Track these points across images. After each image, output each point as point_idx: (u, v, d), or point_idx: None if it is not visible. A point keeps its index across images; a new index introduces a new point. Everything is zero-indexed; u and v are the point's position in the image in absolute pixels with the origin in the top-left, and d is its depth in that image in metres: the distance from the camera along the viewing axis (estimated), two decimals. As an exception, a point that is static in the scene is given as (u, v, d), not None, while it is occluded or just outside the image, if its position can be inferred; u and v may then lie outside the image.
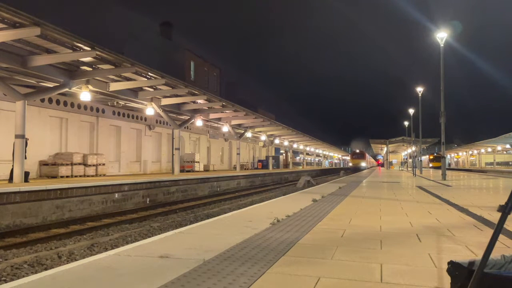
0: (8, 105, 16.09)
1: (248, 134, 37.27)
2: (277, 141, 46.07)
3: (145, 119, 26.67)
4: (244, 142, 43.99)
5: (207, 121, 29.61)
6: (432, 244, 4.69)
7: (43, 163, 18.41)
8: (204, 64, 48.45)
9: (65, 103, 20.12)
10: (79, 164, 19.29)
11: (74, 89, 16.60)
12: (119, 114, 24.25)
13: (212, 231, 5.58)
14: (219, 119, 30.39)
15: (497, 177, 30.20)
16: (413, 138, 40.06)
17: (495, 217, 6.14)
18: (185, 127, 28.61)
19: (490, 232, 2.16)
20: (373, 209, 8.28)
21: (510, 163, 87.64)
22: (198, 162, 30.69)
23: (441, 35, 22.07)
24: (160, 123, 28.35)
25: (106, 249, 8.15)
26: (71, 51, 14.03)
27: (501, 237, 4.71)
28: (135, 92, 20.39)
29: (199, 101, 24.51)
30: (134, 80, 18.39)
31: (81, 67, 16.08)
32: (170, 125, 25.69)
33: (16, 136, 14.25)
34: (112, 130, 23.97)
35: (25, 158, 14.39)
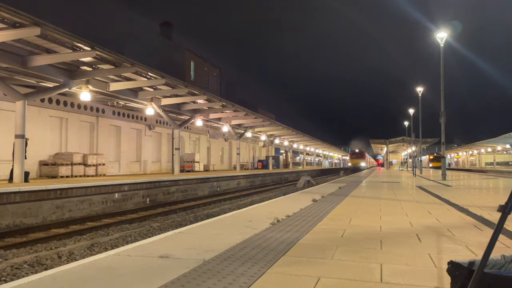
0: (8, 105, 16.09)
1: (248, 134, 37.27)
2: (277, 141, 46.06)
3: (145, 119, 26.68)
4: (244, 142, 43.99)
5: (207, 121, 29.61)
6: (432, 244, 4.69)
7: (43, 163, 18.41)
8: (204, 64, 48.46)
9: (65, 103, 20.12)
10: (79, 164, 19.30)
11: (74, 89, 16.61)
12: (119, 114, 24.25)
13: (212, 231, 5.58)
14: (219, 119, 30.39)
15: (497, 177, 30.19)
16: (413, 138, 40.03)
17: (495, 217, 6.14)
18: (185, 127, 28.62)
19: (490, 232, 2.16)
20: (373, 209, 8.28)
21: (510, 163, 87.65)
22: (198, 162, 30.71)
23: (441, 35, 22.08)
24: (160, 123, 28.34)
25: (106, 249, 8.15)
26: (71, 51, 14.03)
27: (501, 237, 4.71)
28: (135, 92, 20.39)
29: (199, 101, 24.51)
30: (134, 80, 18.40)
31: (81, 67, 16.08)
32: (170, 125, 25.70)
33: (16, 136, 14.25)
34: (112, 130, 23.97)
35: (25, 158, 14.39)
